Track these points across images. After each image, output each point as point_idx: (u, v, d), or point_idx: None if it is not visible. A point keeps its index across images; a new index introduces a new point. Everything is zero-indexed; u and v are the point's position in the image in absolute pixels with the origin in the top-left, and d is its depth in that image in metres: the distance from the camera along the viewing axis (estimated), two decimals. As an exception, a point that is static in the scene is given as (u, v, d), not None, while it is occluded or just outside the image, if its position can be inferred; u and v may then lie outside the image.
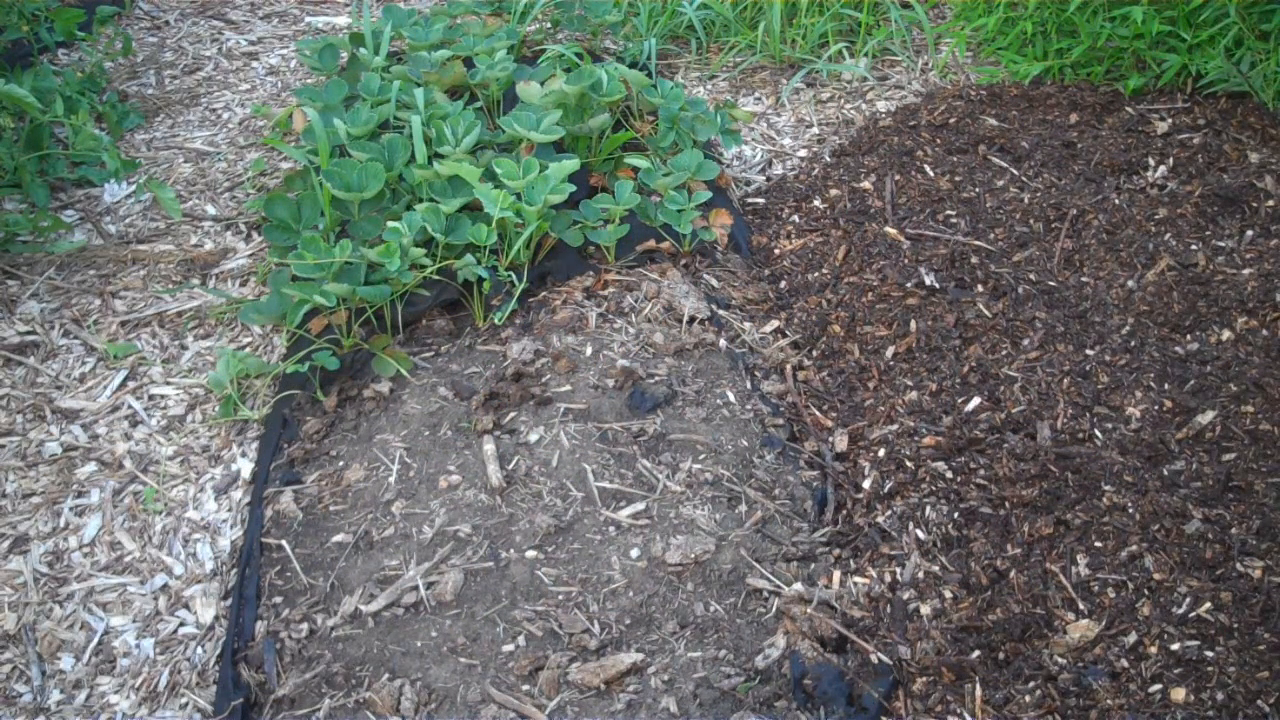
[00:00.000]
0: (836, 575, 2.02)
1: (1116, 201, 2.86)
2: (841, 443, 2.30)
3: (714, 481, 2.18)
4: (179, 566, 2.16)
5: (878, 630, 1.92)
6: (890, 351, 2.49)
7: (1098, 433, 2.16)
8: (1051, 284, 2.60)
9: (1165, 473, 2.06)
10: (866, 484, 2.19)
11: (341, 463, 2.28)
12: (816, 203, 3.05)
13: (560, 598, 1.97)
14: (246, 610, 2.01)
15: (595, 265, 2.75)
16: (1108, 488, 2.04)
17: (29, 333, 2.69)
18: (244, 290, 2.85)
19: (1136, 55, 3.41)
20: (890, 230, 2.82)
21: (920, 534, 2.05)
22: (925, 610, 1.92)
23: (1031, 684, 1.78)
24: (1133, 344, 2.38)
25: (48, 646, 2.02)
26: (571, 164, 2.62)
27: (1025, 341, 2.42)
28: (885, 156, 3.17)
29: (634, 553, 2.03)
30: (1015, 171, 3.05)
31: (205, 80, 3.85)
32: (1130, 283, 2.58)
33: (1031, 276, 2.62)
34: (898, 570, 2.00)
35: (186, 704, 1.92)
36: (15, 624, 2.05)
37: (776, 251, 2.90)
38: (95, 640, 2.03)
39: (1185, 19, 3.30)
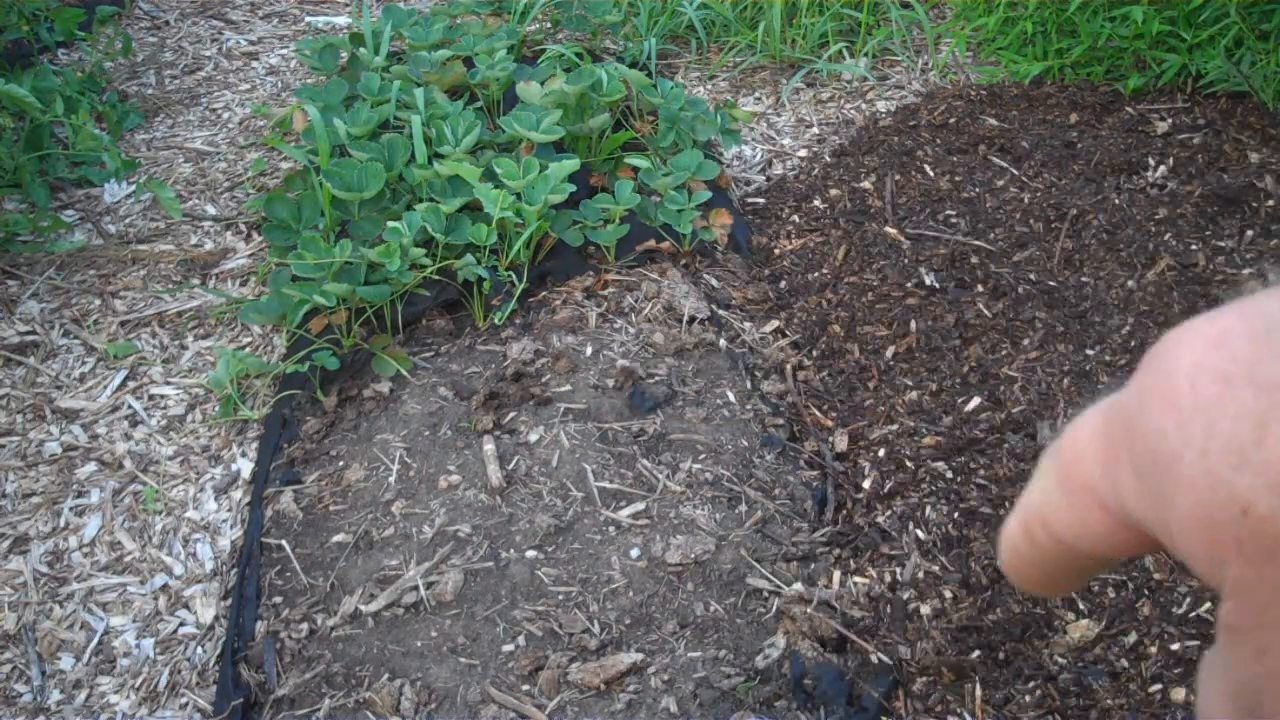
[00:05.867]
0: (836, 575, 2.02)
1: (1116, 201, 2.86)
2: (841, 443, 2.30)
3: (714, 481, 2.18)
4: (179, 566, 2.16)
5: (878, 630, 1.92)
6: (890, 351, 2.49)
7: (1098, 433, 2.16)
8: (1051, 284, 2.60)
9: (1165, 473, 2.06)
10: (866, 484, 2.19)
11: (341, 463, 2.28)
12: (816, 203, 3.05)
13: (560, 598, 1.97)
14: (246, 610, 2.01)
15: (595, 265, 2.75)
16: (1108, 488, 2.03)
17: (29, 333, 2.69)
18: (244, 290, 2.85)
19: (1136, 55, 3.41)
20: (890, 230, 2.82)
21: (920, 534, 2.05)
22: (925, 610, 1.92)
23: (1031, 684, 1.78)
24: (1133, 344, 2.38)
25: (48, 646, 2.02)
26: (571, 164, 2.62)
27: (1025, 341, 2.42)
28: (885, 156, 3.17)
29: (634, 553, 2.03)
30: (1015, 171, 3.05)
31: (205, 80, 3.85)
32: (1130, 283, 2.58)
33: (1031, 276, 2.62)
34: (898, 570, 2.00)
35: (186, 704, 1.92)
36: (15, 624, 2.05)
37: (776, 251, 2.90)
38: (95, 640, 2.03)
39: (1185, 19, 3.30)
